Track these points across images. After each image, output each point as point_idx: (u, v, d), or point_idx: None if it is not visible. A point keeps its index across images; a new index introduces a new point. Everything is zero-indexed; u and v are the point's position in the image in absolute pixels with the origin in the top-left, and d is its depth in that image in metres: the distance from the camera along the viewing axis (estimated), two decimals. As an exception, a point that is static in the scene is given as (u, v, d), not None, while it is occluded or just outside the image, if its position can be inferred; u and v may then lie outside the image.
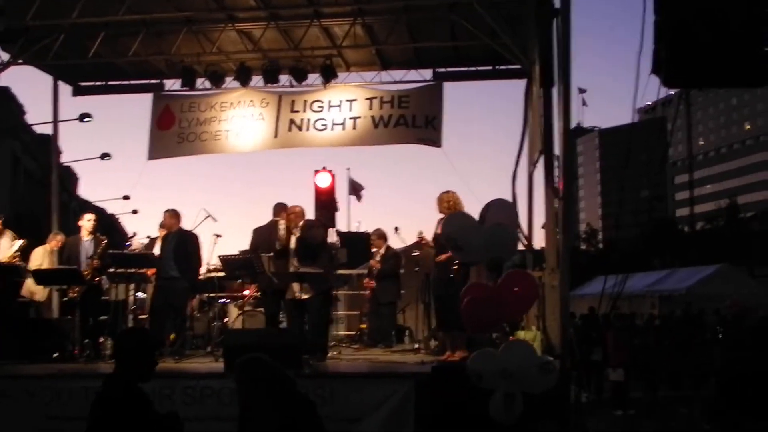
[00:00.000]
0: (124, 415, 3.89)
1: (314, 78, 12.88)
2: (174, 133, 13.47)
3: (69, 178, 42.15)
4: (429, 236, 9.91)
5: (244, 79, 12.60)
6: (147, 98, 13.82)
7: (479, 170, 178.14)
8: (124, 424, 3.88)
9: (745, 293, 20.65)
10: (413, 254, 13.37)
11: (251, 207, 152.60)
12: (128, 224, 46.87)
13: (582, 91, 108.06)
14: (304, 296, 9.38)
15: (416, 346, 10.72)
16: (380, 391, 6.94)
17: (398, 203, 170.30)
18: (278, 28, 12.05)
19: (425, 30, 12.29)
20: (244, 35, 12.38)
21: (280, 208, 10.41)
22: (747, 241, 43.93)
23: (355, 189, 24.40)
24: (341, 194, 23.50)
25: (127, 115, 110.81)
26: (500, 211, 6.20)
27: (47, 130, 22.46)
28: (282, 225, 9.95)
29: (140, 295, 11.81)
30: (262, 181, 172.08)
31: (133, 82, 14.02)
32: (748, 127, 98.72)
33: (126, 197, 43.60)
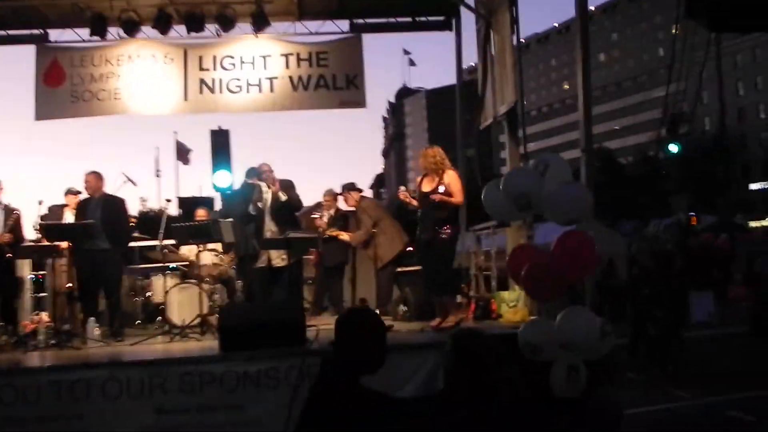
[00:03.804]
0: (348, 414, 3.18)
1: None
2: (66, 91, 11.95)
3: None
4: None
5: (163, 28, 11.32)
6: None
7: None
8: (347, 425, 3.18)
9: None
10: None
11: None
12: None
13: (407, 52, 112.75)
14: (279, 263, 8.60)
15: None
16: (413, 360, 6.31)
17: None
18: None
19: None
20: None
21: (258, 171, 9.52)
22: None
23: (182, 153, 22.70)
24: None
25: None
26: (562, 171, 5.69)
27: None
28: (265, 188, 9.01)
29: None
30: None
31: (11, 32, 12.30)
32: (566, 86, 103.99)
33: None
